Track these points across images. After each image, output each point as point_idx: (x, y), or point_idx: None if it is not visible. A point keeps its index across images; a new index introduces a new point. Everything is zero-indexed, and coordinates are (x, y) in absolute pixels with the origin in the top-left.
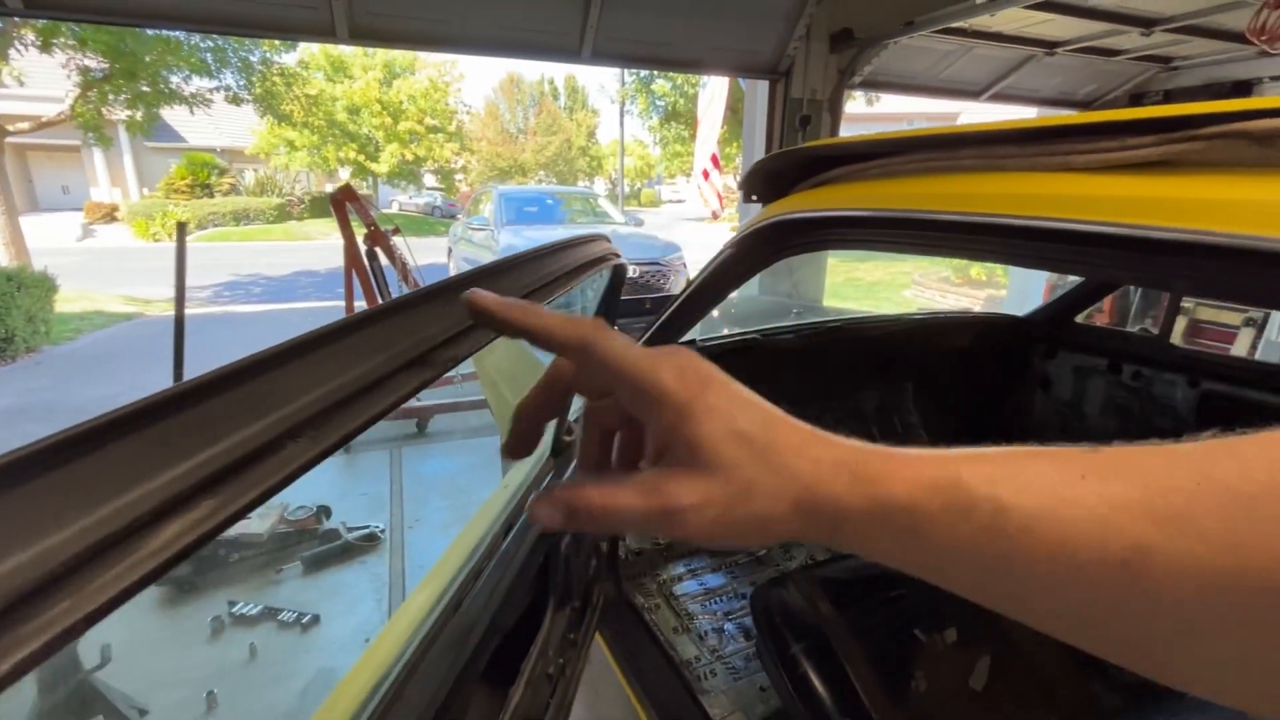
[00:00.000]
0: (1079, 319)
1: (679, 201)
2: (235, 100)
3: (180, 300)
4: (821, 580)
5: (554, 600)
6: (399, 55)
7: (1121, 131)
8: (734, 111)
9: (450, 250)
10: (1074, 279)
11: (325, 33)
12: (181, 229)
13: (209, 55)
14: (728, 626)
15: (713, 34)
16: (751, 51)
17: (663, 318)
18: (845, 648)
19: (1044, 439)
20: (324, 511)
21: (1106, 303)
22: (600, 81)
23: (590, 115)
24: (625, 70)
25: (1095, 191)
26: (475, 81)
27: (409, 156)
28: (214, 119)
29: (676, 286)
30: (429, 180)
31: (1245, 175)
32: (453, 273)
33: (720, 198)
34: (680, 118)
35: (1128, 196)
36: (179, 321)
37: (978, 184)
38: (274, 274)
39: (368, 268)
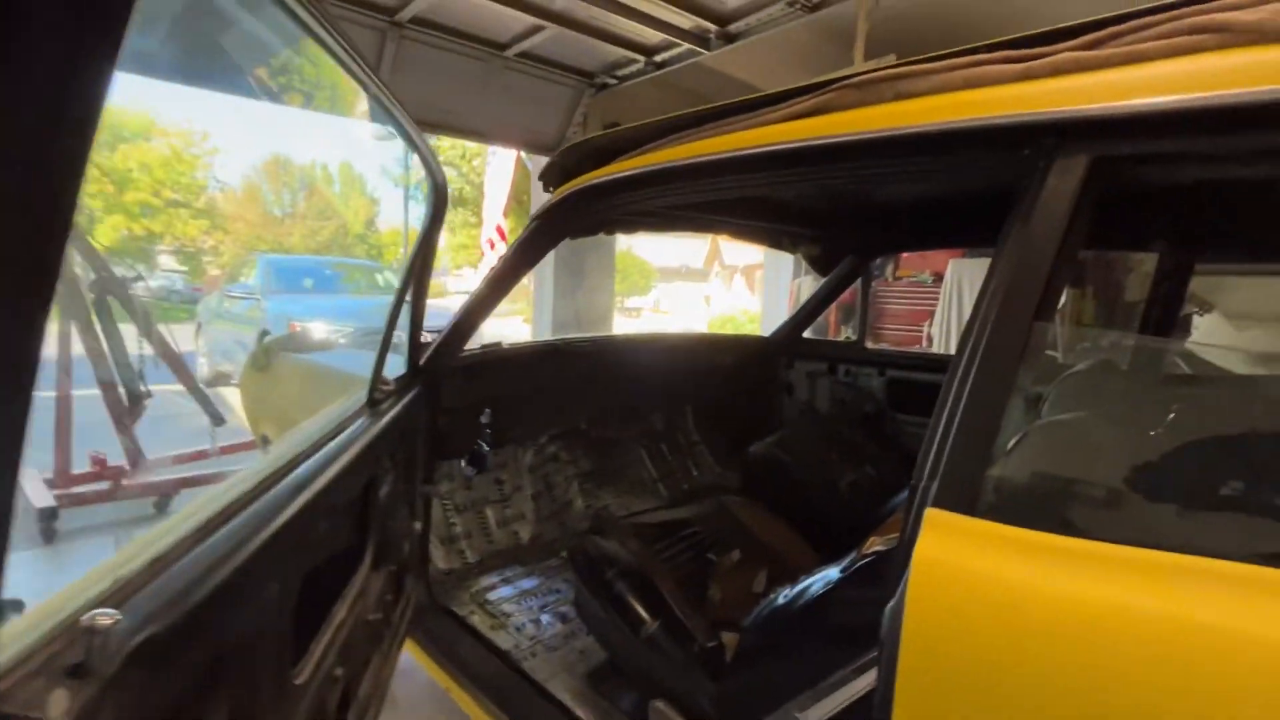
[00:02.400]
0: (807, 334)
1: (466, 293)
2: None
3: None
4: (630, 525)
5: (371, 550)
6: (131, 118)
7: (791, 96)
8: (519, 201)
9: (199, 329)
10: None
11: None
12: None
13: None
14: (544, 617)
15: (500, 109)
16: (535, 130)
17: (466, 303)
18: (654, 571)
19: (792, 428)
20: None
21: (832, 322)
22: (382, 164)
23: (370, 202)
24: (409, 157)
25: (783, 134)
26: (232, 158)
27: (138, 231)
28: None
29: None
30: (167, 261)
31: (855, 108)
32: (202, 355)
33: None
34: (468, 205)
35: (799, 130)
36: None
37: (718, 142)
38: None
39: None
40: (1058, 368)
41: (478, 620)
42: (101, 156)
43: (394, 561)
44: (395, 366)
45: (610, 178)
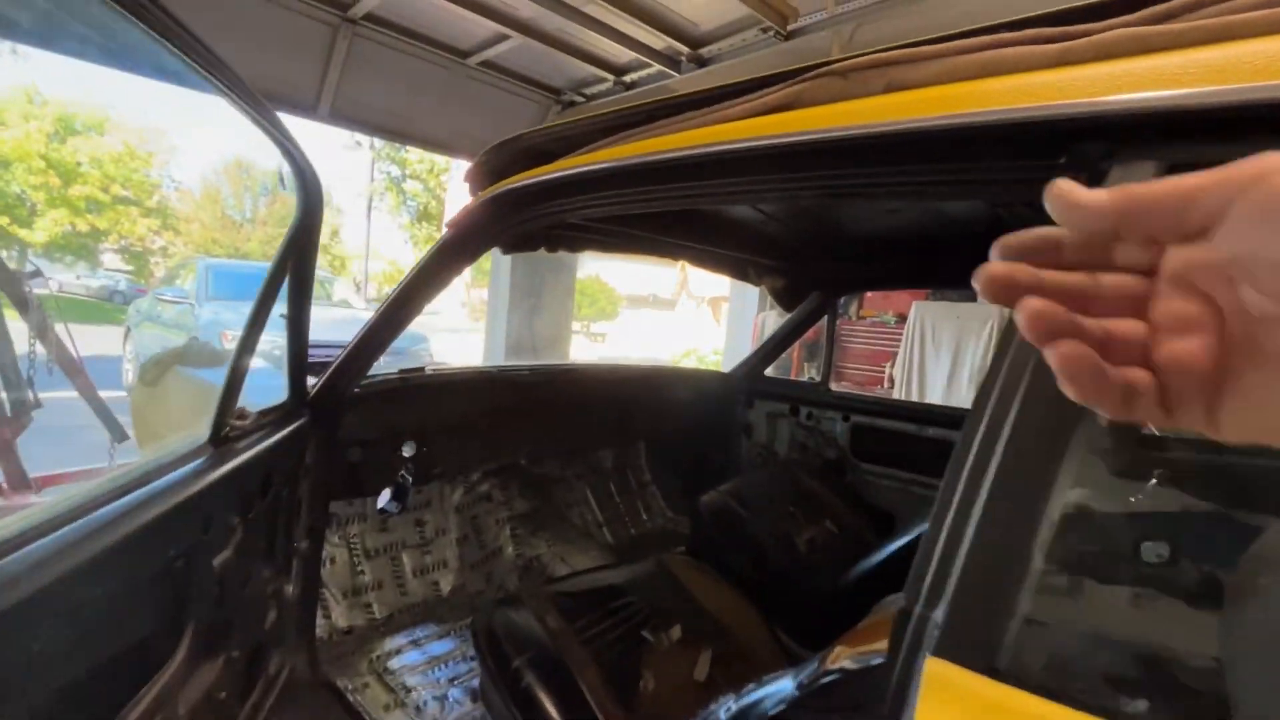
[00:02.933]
0: (769, 372)
1: (434, 314)
2: None
3: None
4: (551, 595)
5: (191, 637)
6: (85, 111)
7: (760, 86)
8: None
9: (128, 332)
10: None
11: None
12: None
13: None
14: (452, 693)
15: (462, 119)
16: None
17: (369, 322)
18: (573, 656)
19: (747, 475)
20: None
21: (795, 360)
22: (346, 175)
23: (334, 213)
24: (374, 167)
25: (748, 130)
26: (190, 159)
27: (81, 227)
28: None
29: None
30: (111, 260)
31: (837, 101)
32: (129, 361)
33: None
34: (433, 220)
35: (767, 126)
36: None
37: (670, 140)
38: None
39: None
40: (1141, 459)
41: (370, 696)
42: (49, 149)
43: (241, 644)
44: (264, 394)
45: (538, 180)
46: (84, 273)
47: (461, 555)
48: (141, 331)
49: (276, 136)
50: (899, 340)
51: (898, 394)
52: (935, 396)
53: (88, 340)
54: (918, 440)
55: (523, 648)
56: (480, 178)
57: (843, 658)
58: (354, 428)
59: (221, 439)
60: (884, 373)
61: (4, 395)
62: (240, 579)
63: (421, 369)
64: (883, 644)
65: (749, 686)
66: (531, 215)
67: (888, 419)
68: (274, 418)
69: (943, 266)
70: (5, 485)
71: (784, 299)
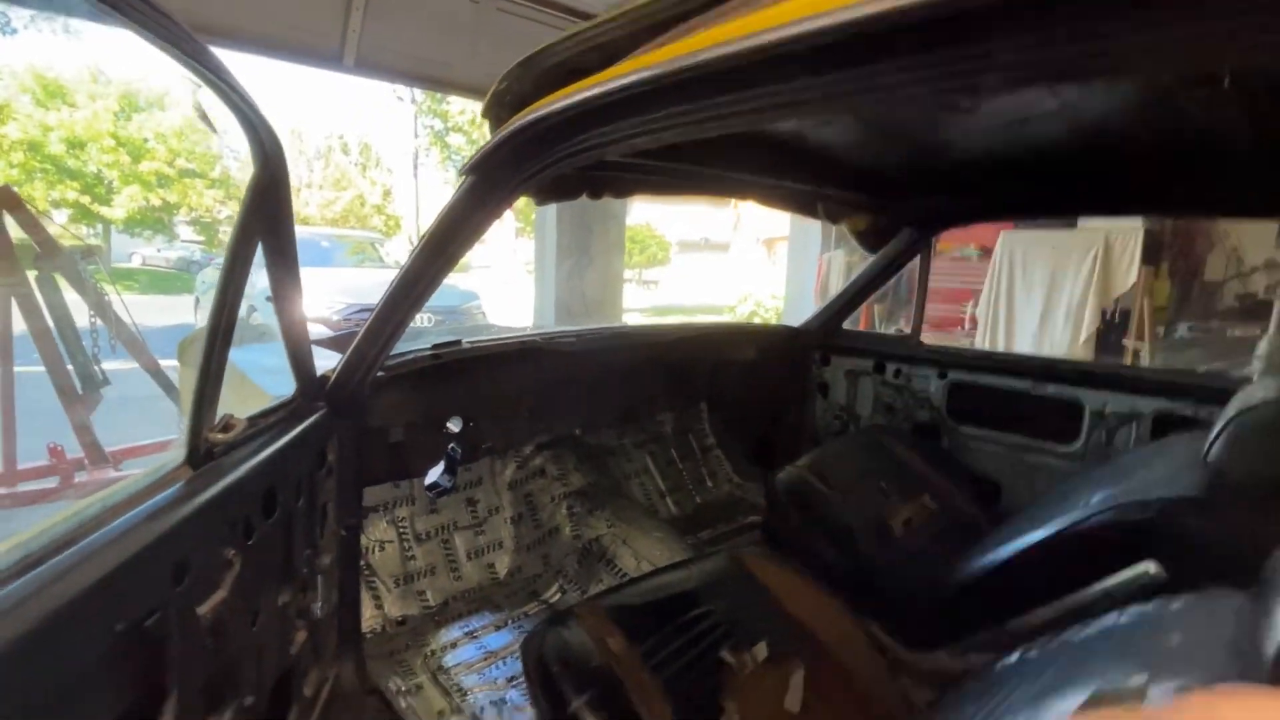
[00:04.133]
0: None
1: (485, 267)
2: None
3: None
4: (609, 610)
5: (176, 707)
6: (146, 87)
7: None
8: None
9: (197, 302)
10: (839, 293)
11: None
12: None
13: None
14: (510, 695)
15: (495, 59)
16: None
17: (386, 296)
18: (640, 690)
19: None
20: None
21: (864, 314)
22: (391, 133)
23: (386, 173)
24: (417, 123)
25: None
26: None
27: (155, 202)
28: None
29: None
30: (186, 232)
31: None
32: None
33: None
34: None
35: None
36: None
37: (742, 25)
38: None
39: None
40: None
41: (423, 701)
42: (117, 127)
43: (254, 687)
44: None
45: (568, 103)
46: (163, 245)
47: (517, 535)
48: (209, 298)
49: (211, 78)
50: (982, 277)
51: (980, 337)
52: (1025, 339)
53: (168, 310)
54: (1032, 400)
55: (580, 682)
56: (500, 109)
57: None
58: (387, 412)
59: (202, 457)
60: (964, 314)
61: (74, 374)
62: (245, 618)
63: (457, 342)
64: None
65: None
66: (565, 151)
67: (994, 375)
68: (277, 418)
69: (1072, 190)
70: (86, 461)
71: (869, 239)
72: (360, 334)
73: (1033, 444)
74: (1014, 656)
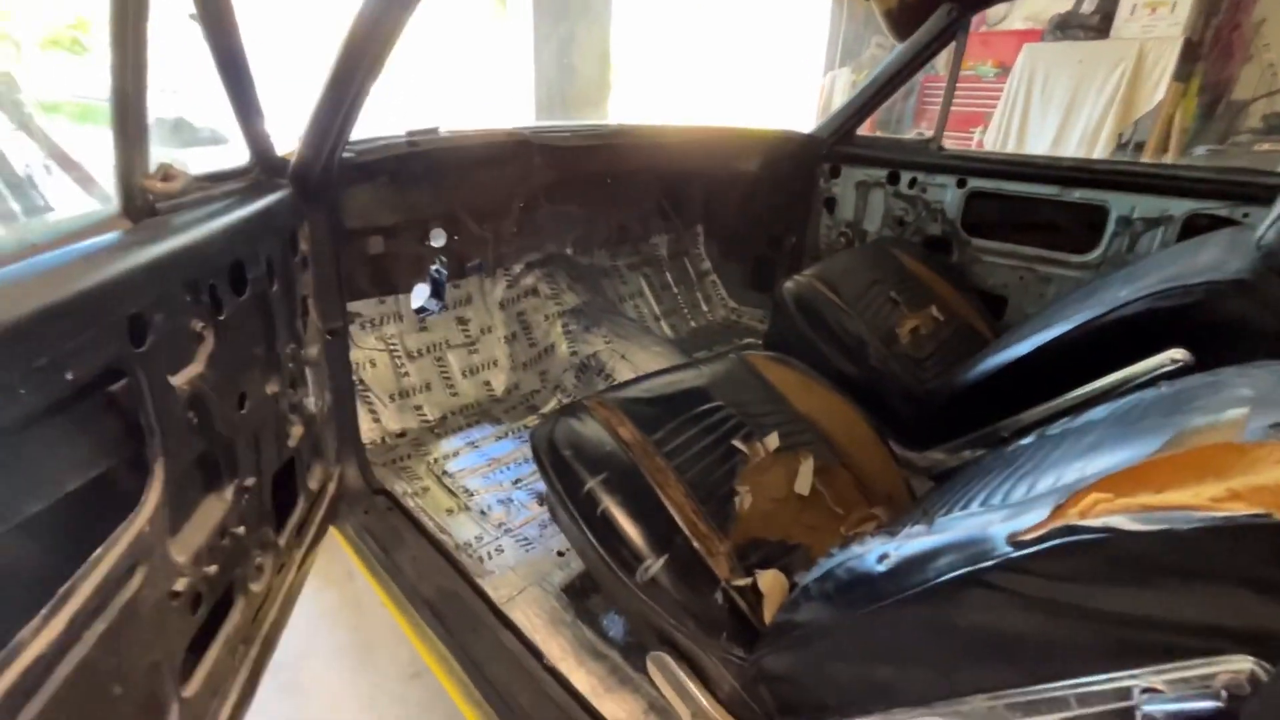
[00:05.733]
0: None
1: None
2: None
3: None
4: (620, 402)
5: (164, 475)
6: None
7: None
8: None
9: None
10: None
11: None
12: None
13: None
14: (517, 495)
15: None
16: None
17: (341, 46)
18: (655, 473)
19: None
20: None
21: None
22: None
23: None
24: None
25: None
26: None
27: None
28: None
29: None
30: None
31: None
32: None
33: None
34: None
35: None
36: None
37: None
38: None
39: None
40: None
41: (431, 501)
42: None
43: (255, 469)
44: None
45: None
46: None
47: (512, 354)
48: None
49: None
50: (995, 100)
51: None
52: None
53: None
54: (1053, 207)
55: (595, 466)
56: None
57: (1111, 510)
58: (363, 210)
59: (140, 209)
60: (972, 139)
61: (15, 206)
62: (230, 399)
63: (435, 129)
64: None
65: (908, 525)
66: None
67: (1018, 181)
68: (233, 187)
69: None
70: None
71: (899, 20)
72: (316, 101)
73: (1047, 255)
74: (1030, 438)
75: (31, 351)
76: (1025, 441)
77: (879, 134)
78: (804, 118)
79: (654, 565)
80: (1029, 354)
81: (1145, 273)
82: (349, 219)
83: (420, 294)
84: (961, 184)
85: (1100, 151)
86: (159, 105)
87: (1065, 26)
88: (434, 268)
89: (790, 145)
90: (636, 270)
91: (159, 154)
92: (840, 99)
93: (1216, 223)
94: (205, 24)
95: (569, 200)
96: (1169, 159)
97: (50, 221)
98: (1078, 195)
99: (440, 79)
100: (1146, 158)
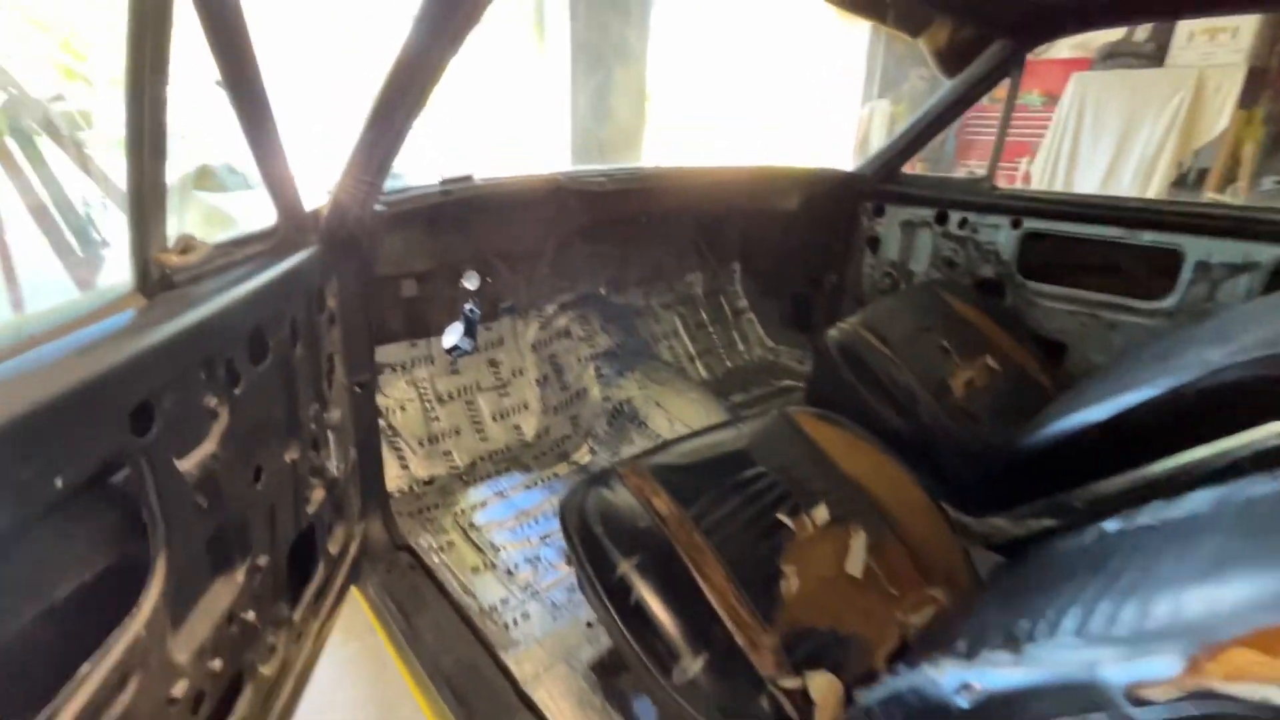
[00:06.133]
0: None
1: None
2: None
3: None
4: (655, 470)
5: (166, 568)
6: None
7: None
8: None
9: None
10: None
11: None
12: None
13: None
14: (544, 552)
15: None
16: None
17: (375, 99)
18: (693, 552)
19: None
20: None
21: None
22: None
23: None
24: None
25: None
26: None
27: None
28: None
29: None
30: None
31: None
32: None
33: None
34: None
35: None
36: None
37: None
38: None
39: None
40: None
41: (456, 557)
42: None
43: (268, 546)
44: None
45: None
46: None
47: (543, 397)
48: None
49: None
50: (1043, 129)
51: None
52: None
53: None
54: (1122, 249)
55: (628, 545)
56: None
57: (1268, 677)
58: (397, 258)
59: (156, 284)
60: (1019, 170)
61: (73, 240)
62: (244, 475)
63: (468, 177)
64: None
65: (988, 647)
66: None
67: (1079, 223)
68: (258, 249)
69: None
70: None
71: (948, 59)
72: (350, 154)
73: (1112, 300)
74: (1116, 523)
75: (14, 461)
76: (1111, 528)
77: (926, 172)
78: (842, 151)
79: (692, 665)
80: (1107, 419)
81: (1239, 329)
82: (382, 266)
83: (453, 333)
84: (1016, 224)
85: (1159, 180)
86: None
87: (1116, 55)
88: (468, 307)
89: (830, 183)
90: (671, 309)
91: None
92: (879, 131)
93: None
94: (231, 90)
95: (603, 241)
96: (1241, 189)
97: (56, 307)
98: (1147, 238)
99: (476, 116)
100: (1210, 188)
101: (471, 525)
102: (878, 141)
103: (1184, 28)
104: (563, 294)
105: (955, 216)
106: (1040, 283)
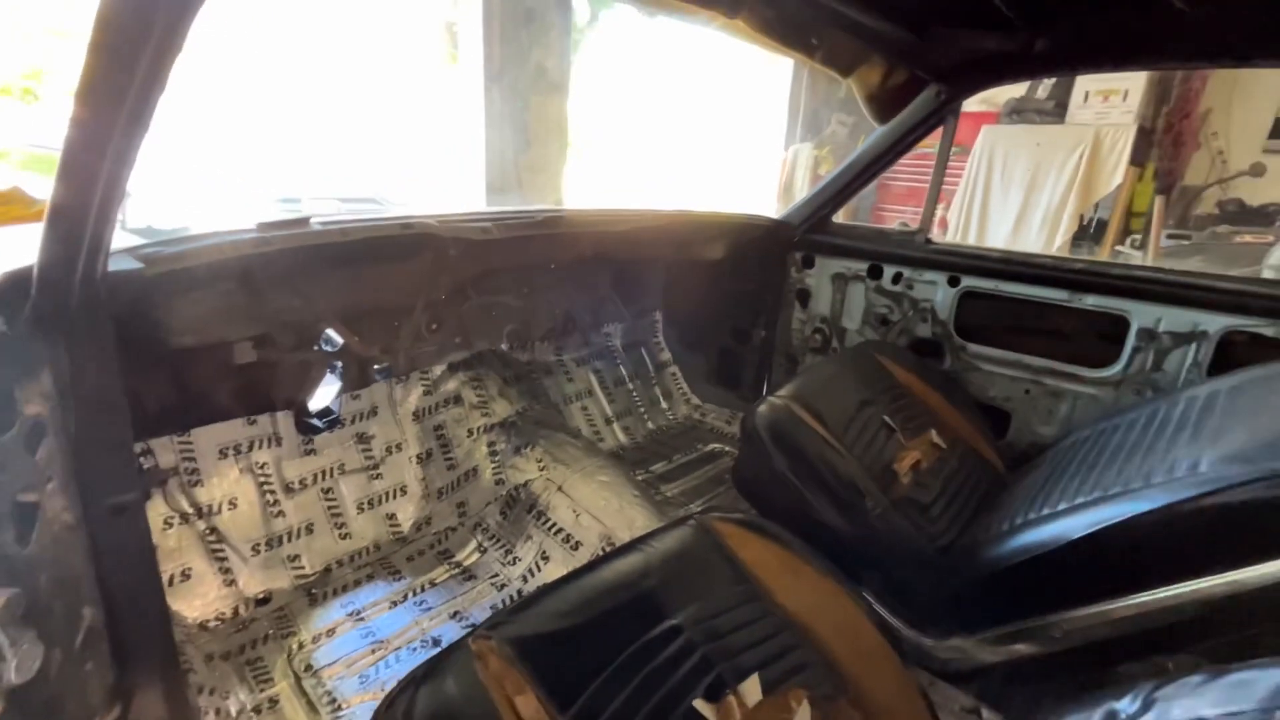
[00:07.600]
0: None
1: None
2: None
3: None
4: (524, 647)
5: None
6: None
7: None
8: None
9: None
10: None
11: None
12: None
13: None
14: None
15: None
16: None
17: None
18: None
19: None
20: None
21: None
22: None
23: None
24: None
25: None
26: None
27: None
28: None
29: None
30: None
31: None
32: None
33: None
34: None
35: None
36: None
37: None
38: None
39: None
40: None
41: None
42: None
43: None
44: None
45: None
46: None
47: (425, 478)
48: None
49: None
50: (956, 178)
51: (951, 240)
52: (997, 244)
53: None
54: (1062, 313)
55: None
56: None
57: None
58: (200, 325)
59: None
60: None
61: None
62: None
63: (302, 221)
64: None
65: None
66: None
67: (1021, 283)
68: None
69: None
70: None
71: (879, 103)
72: (50, 199)
73: (1057, 367)
74: (1133, 703)
75: None
76: (1123, 710)
77: (857, 222)
78: (766, 192)
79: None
80: (1088, 534)
81: (1235, 431)
82: (175, 336)
83: (324, 393)
84: (954, 282)
85: (1064, 230)
86: None
87: (1020, 110)
88: (328, 370)
89: (757, 231)
90: (585, 365)
91: None
92: (803, 173)
93: (1257, 341)
94: None
95: (502, 291)
96: (1151, 247)
97: None
98: (1090, 302)
99: (382, 134)
100: (1109, 239)
101: (308, 668)
102: (801, 184)
103: (1080, 89)
104: (453, 353)
105: (889, 271)
106: (980, 345)
